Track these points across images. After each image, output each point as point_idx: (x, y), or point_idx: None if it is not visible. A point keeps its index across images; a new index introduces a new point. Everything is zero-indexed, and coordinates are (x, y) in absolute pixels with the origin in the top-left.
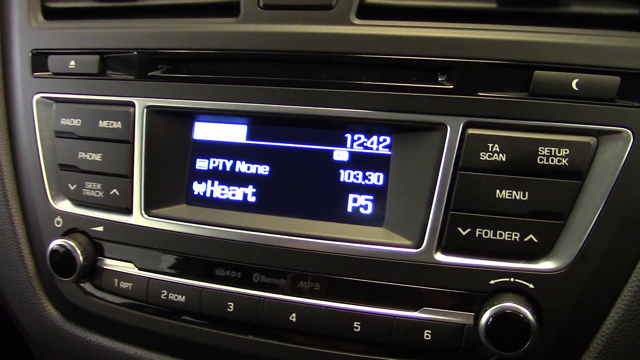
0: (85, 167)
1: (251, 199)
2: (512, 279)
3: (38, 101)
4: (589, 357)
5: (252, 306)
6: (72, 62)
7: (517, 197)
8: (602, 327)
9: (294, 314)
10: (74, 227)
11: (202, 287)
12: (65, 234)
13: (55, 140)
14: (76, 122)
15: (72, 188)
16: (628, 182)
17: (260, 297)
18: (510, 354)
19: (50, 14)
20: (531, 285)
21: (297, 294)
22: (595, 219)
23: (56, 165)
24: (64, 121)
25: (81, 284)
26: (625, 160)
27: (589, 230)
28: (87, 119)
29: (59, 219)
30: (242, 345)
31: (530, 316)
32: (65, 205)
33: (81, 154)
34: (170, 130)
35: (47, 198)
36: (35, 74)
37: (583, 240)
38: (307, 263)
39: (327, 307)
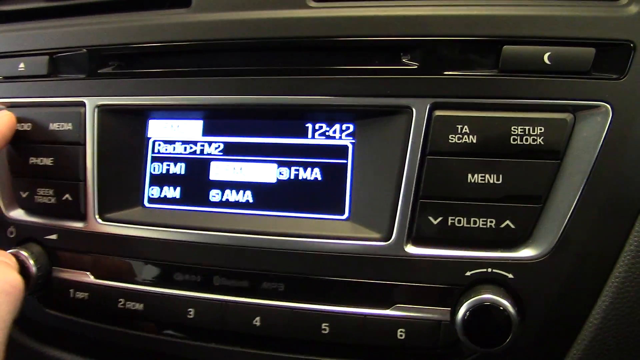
0: (37, 173)
1: (210, 197)
2: (489, 270)
3: None
4: (577, 350)
5: (214, 311)
6: (22, 65)
7: (491, 181)
8: (589, 316)
9: (257, 318)
10: (28, 237)
11: (161, 293)
12: (19, 244)
13: (7, 146)
14: (27, 126)
15: (24, 195)
16: (609, 160)
17: (221, 301)
18: (490, 350)
19: (0, 18)
20: (510, 275)
21: (260, 295)
22: (575, 201)
23: (8, 173)
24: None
25: (36, 296)
26: (604, 137)
27: (569, 214)
28: (37, 122)
29: (12, 229)
30: (205, 353)
31: (510, 308)
32: (18, 214)
33: (32, 159)
34: (123, 129)
35: (0, 207)
36: None
37: (564, 225)
38: (270, 262)
39: (292, 308)
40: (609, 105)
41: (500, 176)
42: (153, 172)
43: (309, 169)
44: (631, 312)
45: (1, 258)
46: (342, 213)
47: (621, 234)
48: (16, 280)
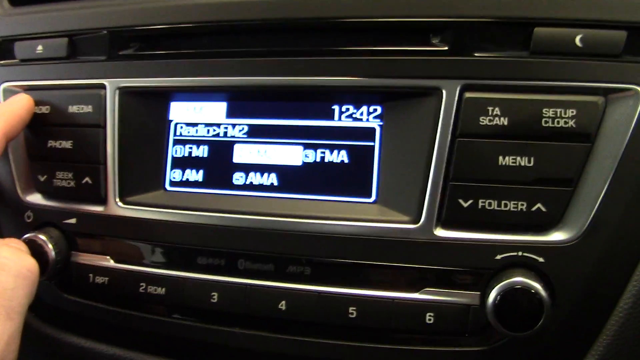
0: (56, 156)
1: (233, 180)
2: (520, 253)
3: (5, 90)
4: (606, 335)
5: (238, 295)
6: (40, 47)
7: (522, 164)
8: (619, 301)
9: (283, 302)
10: (46, 221)
11: (184, 278)
12: (37, 229)
13: (24, 130)
14: (45, 109)
15: (42, 179)
16: None
17: (246, 285)
18: (521, 335)
19: (17, 0)
20: (541, 259)
21: (286, 279)
22: (607, 185)
23: (25, 157)
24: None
25: (54, 281)
26: (636, 120)
27: (600, 197)
28: (56, 105)
29: (29, 213)
30: (229, 338)
31: (542, 292)
32: (35, 199)
33: (51, 143)
34: (144, 112)
35: (17, 192)
36: (0, 62)
37: (595, 208)
38: (296, 245)
39: (319, 292)
40: None
41: (532, 159)
42: (175, 155)
43: (335, 152)
44: None
45: (13, 244)
46: (370, 196)
47: None
48: (32, 264)
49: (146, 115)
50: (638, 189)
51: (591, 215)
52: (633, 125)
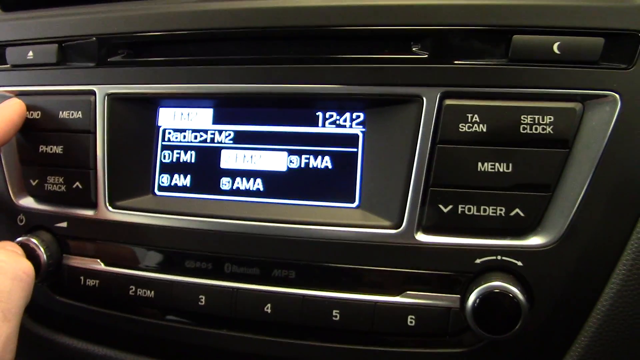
0: (47, 161)
1: (220, 185)
2: (498, 257)
3: None
4: (584, 337)
5: (225, 298)
6: (31, 53)
7: (501, 170)
8: (597, 304)
9: (268, 305)
10: (38, 225)
11: (172, 281)
12: (29, 232)
13: (16, 135)
14: (36, 114)
15: (33, 184)
16: (617, 149)
17: (232, 288)
18: (499, 337)
19: (8, 6)
20: (519, 263)
21: (271, 283)
22: (584, 190)
23: (17, 162)
24: None
25: (47, 283)
26: (613, 126)
27: (578, 202)
28: (47, 111)
29: (21, 216)
30: (216, 340)
31: (520, 295)
32: (27, 202)
33: (42, 148)
34: (133, 118)
35: (10, 196)
36: None
37: (572, 213)
38: (280, 250)
39: (303, 295)
40: (618, 94)
41: (510, 165)
42: (163, 160)
43: (319, 158)
44: (639, 300)
45: (9, 247)
46: (353, 201)
47: (629, 222)
48: (28, 267)
49: (135, 121)
50: (615, 194)
51: (569, 220)
52: (610, 130)
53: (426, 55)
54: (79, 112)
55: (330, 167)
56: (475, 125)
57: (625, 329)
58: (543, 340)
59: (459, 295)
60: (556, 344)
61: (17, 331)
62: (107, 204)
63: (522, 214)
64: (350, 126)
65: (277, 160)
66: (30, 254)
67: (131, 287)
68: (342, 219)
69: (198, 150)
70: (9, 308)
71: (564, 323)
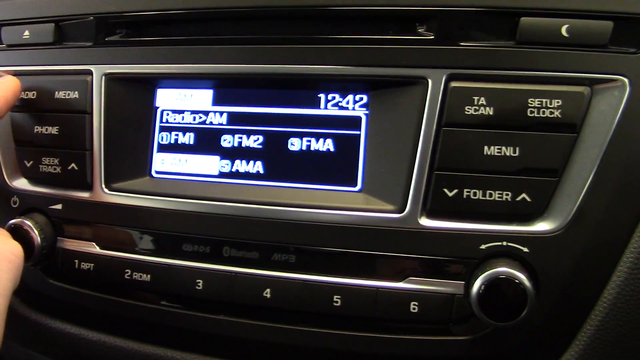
0: (42, 142)
1: (218, 167)
2: (504, 243)
3: None
4: (590, 325)
5: (223, 282)
6: (27, 32)
7: (507, 154)
8: (604, 291)
9: (268, 290)
10: (32, 207)
11: (169, 265)
12: (23, 214)
13: (10, 115)
14: (31, 94)
15: (28, 165)
16: (626, 134)
17: (231, 272)
18: (505, 325)
19: None
20: (525, 249)
21: (270, 267)
22: (592, 175)
23: (11, 142)
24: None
25: (40, 267)
26: (622, 111)
27: (585, 187)
28: (43, 91)
29: (15, 198)
30: (214, 325)
31: (526, 281)
32: (21, 184)
33: (37, 128)
34: (130, 98)
35: (3, 177)
36: None
37: (580, 198)
38: (280, 233)
39: (303, 280)
40: (627, 79)
41: (517, 149)
42: (161, 142)
43: (321, 140)
44: None
45: None
46: (355, 184)
47: (637, 208)
48: (17, 248)
49: (133, 102)
50: (623, 179)
51: (576, 206)
52: (619, 115)
53: (432, 37)
54: (76, 92)
55: (332, 149)
56: (482, 108)
57: (632, 318)
58: (549, 328)
59: (463, 282)
60: (562, 332)
61: (5, 315)
62: (103, 186)
63: (528, 199)
64: (353, 108)
65: (277, 143)
66: (23, 236)
67: (127, 270)
68: (344, 203)
69: (197, 131)
70: None
71: (570, 311)
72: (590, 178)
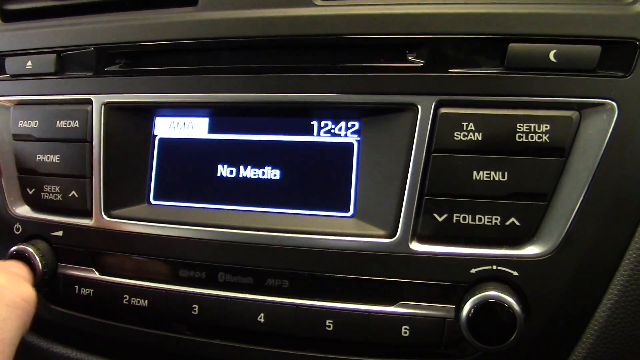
0: (44, 170)
1: (215, 195)
2: (494, 267)
3: None
4: (582, 349)
5: (218, 307)
6: (29, 63)
7: (496, 178)
8: (594, 315)
9: (262, 314)
10: (33, 233)
11: (165, 290)
12: (26, 240)
13: (13, 144)
14: (34, 123)
15: (30, 192)
16: (614, 158)
17: (225, 297)
18: (495, 348)
19: (8, 17)
20: (515, 273)
21: (264, 292)
22: (581, 199)
23: (14, 171)
24: (22, 124)
25: (42, 292)
26: (610, 134)
27: (574, 211)
28: (44, 120)
29: (18, 225)
30: (209, 350)
31: (515, 305)
32: (24, 211)
33: (39, 157)
34: (129, 127)
35: (6, 204)
36: None
37: (569, 222)
38: (274, 259)
39: (296, 305)
40: (615, 103)
41: (506, 173)
42: (158, 169)
43: (314, 166)
44: (637, 311)
45: (13, 269)
46: (347, 210)
47: (626, 232)
48: (29, 293)
49: (131, 130)
50: (612, 203)
51: (565, 230)
52: (607, 139)
53: (421, 64)
54: (76, 121)
55: (325, 176)
56: (471, 133)
57: (624, 341)
58: (539, 352)
59: (453, 306)
60: (553, 356)
61: None
62: (103, 213)
63: (517, 223)
64: (345, 135)
65: (272, 169)
66: (26, 262)
67: (125, 296)
68: (337, 228)
69: (193, 159)
70: (3, 339)
71: (560, 334)
72: (580, 202)
